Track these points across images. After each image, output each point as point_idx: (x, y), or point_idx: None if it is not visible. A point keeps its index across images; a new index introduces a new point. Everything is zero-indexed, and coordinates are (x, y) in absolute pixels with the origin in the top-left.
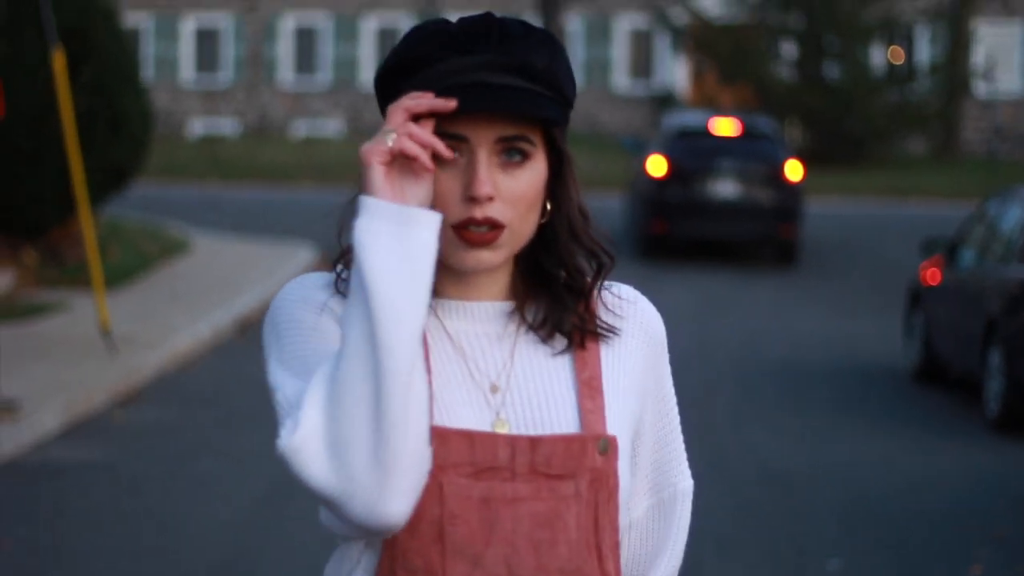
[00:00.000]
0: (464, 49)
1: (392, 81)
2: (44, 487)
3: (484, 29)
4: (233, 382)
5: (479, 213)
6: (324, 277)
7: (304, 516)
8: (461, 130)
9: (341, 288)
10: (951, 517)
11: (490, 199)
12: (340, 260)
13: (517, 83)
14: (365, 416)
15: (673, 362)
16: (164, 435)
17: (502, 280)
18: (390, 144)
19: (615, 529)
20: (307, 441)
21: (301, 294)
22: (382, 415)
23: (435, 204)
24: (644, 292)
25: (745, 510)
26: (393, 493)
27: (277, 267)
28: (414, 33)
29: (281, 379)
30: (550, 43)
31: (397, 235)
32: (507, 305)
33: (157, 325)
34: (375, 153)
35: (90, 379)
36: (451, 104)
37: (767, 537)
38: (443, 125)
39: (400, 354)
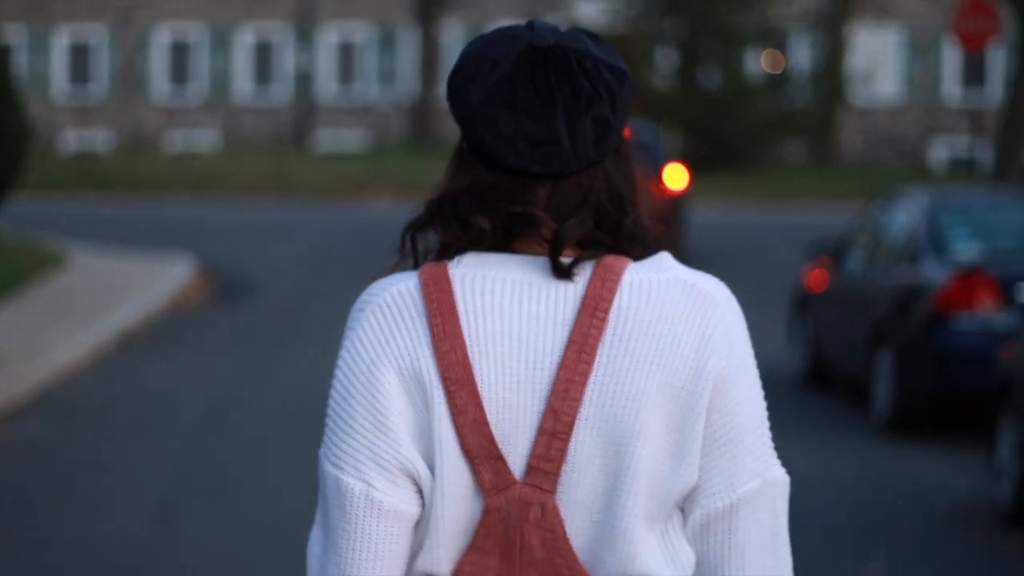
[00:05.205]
0: None
1: None
2: None
3: None
4: (116, 396)
5: None
6: None
7: (196, 532)
8: None
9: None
10: (846, 519)
11: None
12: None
13: None
14: None
15: None
16: (49, 451)
17: None
18: None
19: None
20: None
21: None
22: None
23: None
24: None
25: None
26: None
27: (156, 280)
28: None
29: None
30: None
31: None
32: None
33: (36, 340)
34: None
35: None
36: None
37: None
38: None
39: None
